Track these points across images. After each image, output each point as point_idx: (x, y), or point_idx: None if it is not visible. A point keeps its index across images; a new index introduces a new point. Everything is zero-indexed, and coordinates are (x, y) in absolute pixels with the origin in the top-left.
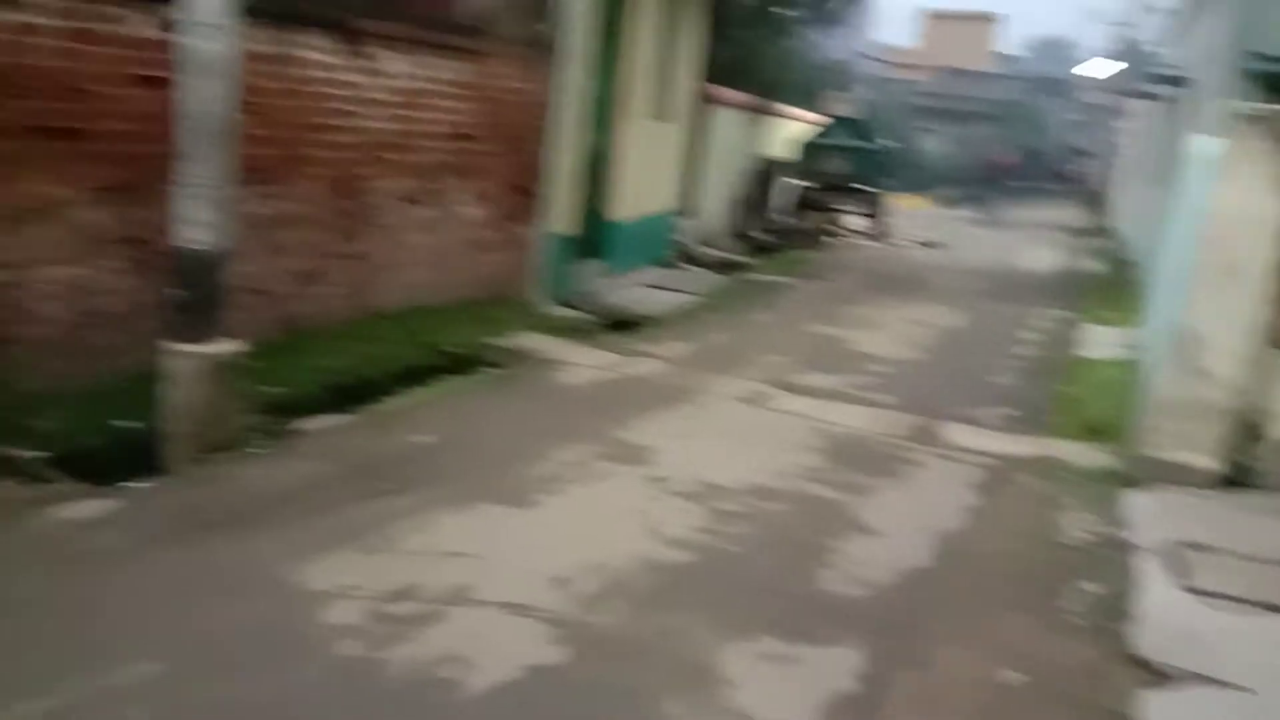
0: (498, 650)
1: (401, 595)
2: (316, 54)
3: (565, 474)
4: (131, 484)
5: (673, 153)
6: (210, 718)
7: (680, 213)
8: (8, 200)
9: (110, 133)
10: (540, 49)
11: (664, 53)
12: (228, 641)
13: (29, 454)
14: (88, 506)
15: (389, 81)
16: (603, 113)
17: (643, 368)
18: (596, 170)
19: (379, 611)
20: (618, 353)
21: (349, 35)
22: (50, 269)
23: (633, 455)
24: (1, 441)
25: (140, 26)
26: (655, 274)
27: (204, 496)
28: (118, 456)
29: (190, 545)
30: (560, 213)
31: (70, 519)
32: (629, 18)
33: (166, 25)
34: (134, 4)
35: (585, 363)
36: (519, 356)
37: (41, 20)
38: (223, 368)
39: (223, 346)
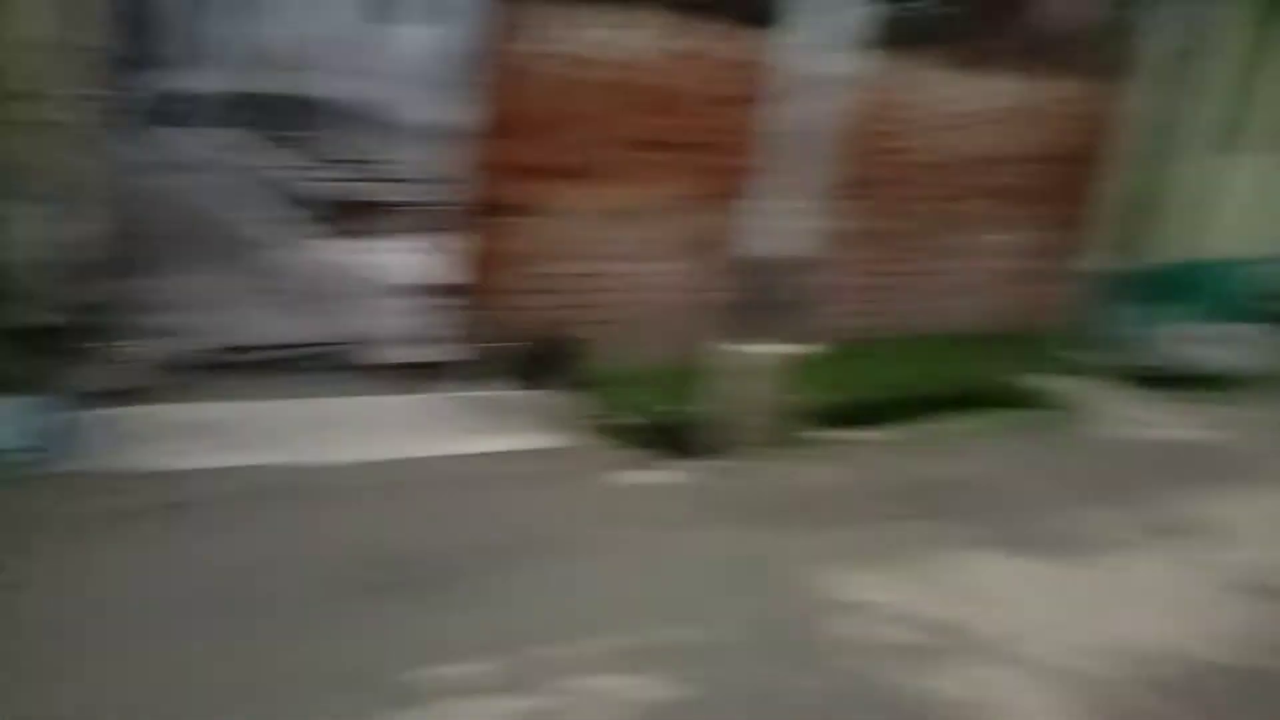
0: (1021, 712)
1: (918, 625)
2: (898, 76)
3: (1109, 538)
4: (684, 462)
5: (1267, 189)
6: (743, 697)
7: (1273, 260)
8: (635, 201)
9: (697, 145)
10: (1117, 72)
11: (1270, 76)
12: (755, 627)
13: (614, 422)
14: (648, 476)
15: (958, 106)
16: (1179, 141)
17: (1206, 433)
18: (1162, 203)
19: (892, 637)
20: (1174, 411)
21: (933, 59)
22: (651, 264)
23: (1193, 532)
24: (597, 409)
25: (728, 50)
26: (1229, 327)
27: (745, 486)
28: (676, 435)
29: (729, 528)
30: (1114, 247)
31: (633, 484)
32: (1225, 39)
33: (750, 49)
34: (725, 30)
35: (1132, 417)
36: (1054, 399)
37: (651, 44)
38: (776, 369)
39: (779, 349)
